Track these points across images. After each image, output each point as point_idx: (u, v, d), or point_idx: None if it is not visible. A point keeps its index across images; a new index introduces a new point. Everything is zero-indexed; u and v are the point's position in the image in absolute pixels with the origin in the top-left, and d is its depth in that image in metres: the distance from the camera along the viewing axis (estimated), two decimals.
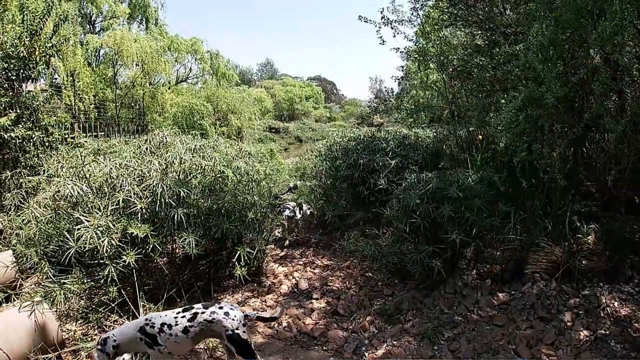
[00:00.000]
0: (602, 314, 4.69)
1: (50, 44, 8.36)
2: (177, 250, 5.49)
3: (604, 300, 4.84)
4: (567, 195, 5.88)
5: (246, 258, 5.20)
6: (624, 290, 5.02)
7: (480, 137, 6.87)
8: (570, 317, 4.69)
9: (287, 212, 7.91)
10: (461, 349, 4.48)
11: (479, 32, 7.54)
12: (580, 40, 5.28)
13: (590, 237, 5.70)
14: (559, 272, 5.19)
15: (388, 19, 7.39)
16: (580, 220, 5.78)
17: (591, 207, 6.10)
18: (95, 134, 18.49)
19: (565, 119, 5.83)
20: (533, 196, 5.88)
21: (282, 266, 6.99)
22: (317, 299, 5.80)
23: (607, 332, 4.44)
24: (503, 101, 6.73)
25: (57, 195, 4.77)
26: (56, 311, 4.57)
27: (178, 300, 5.15)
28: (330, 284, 6.15)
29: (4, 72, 7.70)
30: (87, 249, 4.34)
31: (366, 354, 4.58)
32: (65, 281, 4.55)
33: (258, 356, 3.83)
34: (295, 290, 6.11)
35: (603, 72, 5.17)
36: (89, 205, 4.62)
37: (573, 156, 6.04)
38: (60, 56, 16.56)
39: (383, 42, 7.57)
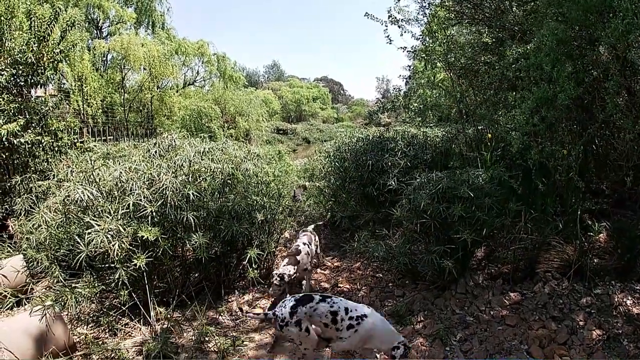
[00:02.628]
0: (614, 313, 4.65)
1: (57, 50, 8.40)
2: (187, 253, 5.50)
3: (616, 299, 4.79)
4: (578, 194, 5.83)
5: (256, 259, 5.19)
6: (637, 289, 4.97)
7: (489, 135, 6.82)
8: (582, 317, 4.65)
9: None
10: (473, 350, 4.45)
11: (486, 30, 7.50)
12: (590, 38, 5.23)
13: (601, 235, 5.66)
14: (570, 271, 5.14)
15: (395, 18, 7.36)
16: (592, 219, 5.74)
17: (602, 205, 6.05)
18: (104, 138, 18.62)
19: (576, 117, 5.78)
20: (544, 195, 5.83)
21: None
22: None
23: (620, 331, 4.39)
24: (511, 99, 6.69)
25: (67, 200, 4.79)
26: (67, 315, 4.59)
27: (189, 302, 5.16)
28: (341, 285, 6.13)
29: (12, 78, 7.74)
30: (97, 252, 4.36)
31: (378, 355, 4.55)
32: (76, 285, 4.56)
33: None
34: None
35: (613, 69, 5.12)
36: (99, 209, 4.63)
37: (583, 154, 5.99)
38: (68, 61, 16.70)
39: (390, 41, 7.54)
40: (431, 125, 9.51)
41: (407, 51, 7.72)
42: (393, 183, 6.59)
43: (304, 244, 5.97)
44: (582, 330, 4.45)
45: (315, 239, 6.43)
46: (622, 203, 6.11)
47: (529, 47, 5.60)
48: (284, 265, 5.46)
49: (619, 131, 5.83)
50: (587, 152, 6.09)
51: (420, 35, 7.83)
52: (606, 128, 5.90)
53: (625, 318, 4.55)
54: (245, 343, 4.78)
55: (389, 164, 7.11)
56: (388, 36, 7.48)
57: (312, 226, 6.83)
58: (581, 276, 5.15)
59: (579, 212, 5.44)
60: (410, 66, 9.32)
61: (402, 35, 7.54)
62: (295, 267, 5.50)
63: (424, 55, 7.74)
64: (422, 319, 5.05)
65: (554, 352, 4.20)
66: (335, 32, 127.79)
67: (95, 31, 23.69)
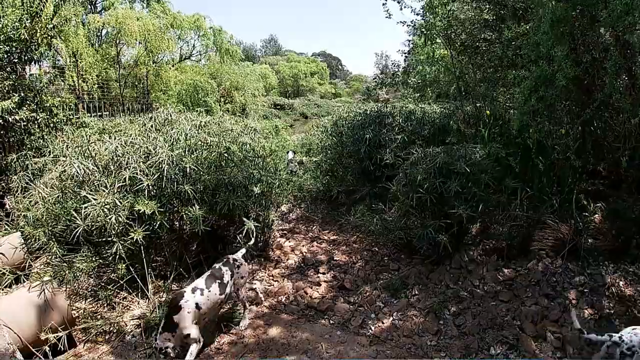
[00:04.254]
0: (607, 293, 4.69)
1: (51, 26, 8.29)
2: (184, 227, 5.52)
3: (609, 280, 4.83)
4: (575, 174, 5.84)
5: (253, 233, 5.22)
6: (629, 271, 4.99)
7: (487, 112, 6.81)
8: (575, 295, 4.70)
9: None
10: (467, 324, 4.51)
11: (487, 6, 7.41)
12: (591, 18, 5.17)
13: (596, 216, 5.68)
14: (564, 250, 5.17)
15: None
16: (587, 199, 5.76)
17: (598, 186, 6.07)
18: (100, 113, 18.48)
19: (575, 97, 5.75)
20: (541, 173, 5.84)
21: (289, 240, 7.03)
22: (323, 273, 5.85)
23: (612, 311, 4.45)
24: (511, 77, 6.66)
25: (64, 175, 4.78)
26: (66, 290, 4.63)
27: (186, 275, 5.19)
28: (337, 258, 6.18)
29: (6, 55, 7.67)
30: (94, 227, 4.37)
31: (372, 328, 4.63)
32: (74, 260, 4.59)
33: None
34: (302, 264, 6.15)
35: (614, 51, 5.08)
36: (96, 184, 4.63)
37: (581, 135, 5.98)
38: (62, 37, 16.45)
39: (389, 15, 7.49)
40: (429, 101, 9.48)
41: (407, 25, 7.67)
42: (390, 158, 6.60)
43: (199, 290, 4.14)
44: (575, 309, 4.51)
45: (239, 271, 4.65)
46: (618, 185, 6.13)
47: (528, 26, 5.55)
48: (160, 334, 3.88)
49: (617, 113, 5.81)
50: (586, 133, 6.08)
51: (421, 10, 7.77)
52: (605, 110, 5.88)
53: (617, 298, 4.60)
54: (242, 314, 4.84)
55: (387, 138, 7.10)
56: (387, 10, 7.42)
57: (242, 252, 4.98)
58: (575, 255, 5.18)
59: (575, 192, 5.46)
60: (409, 41, 9.25)
61: (402, 9, 7.49)
62: (174, 334, 3.87)
63: (423, 31, 7.68)
64: (416, 292, 5.11)
65: (546, 328, 4.26)
66: (335, 6, 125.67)
67: (89, 6, 23.26)
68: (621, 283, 4.80)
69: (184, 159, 4.83)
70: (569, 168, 5.76)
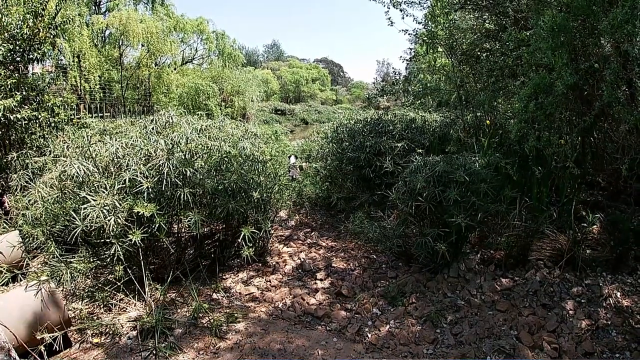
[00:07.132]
0: (604, 304, 4.69)
1: (54, 25, 8.32)
2: (183, 230, 5.52)
3: (606, 291, 4.83)
4: (574, 184, 5.85)
5: (251, 238, 5.22)
6: (627, 282, 5.00)
7: (488, 122, 6.83)
8: (572, 306, 4.69)
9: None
10: (463, 333, 4.50)
11: (489, 16, 7.45)
12: (591, 27, 5.21)
13: (595, 226, 5.69)
14: (562, 260, 5.18)
15: (397, 0, 7.32)
16: (586, 209, 5.77)
17: (597, 196, 6.08)
18: (101, 114, 18.56)
19: (574, 107, 5.78)
20: (540, 183, 5.85)
21: (287, 246, 7.02)
22: (321, 279, 5.84)
23: (609, 322, 4.44)
24: (512, 87, 6.68)
25: (63, 175, 4.78)
26: (62, 290, 4.62)
27: (184, 279, 5.19)
28: (335, 265, 6.18)
29: (9, 54, 7.68)
30: (93, 228, 4.37)
31: (369, 335, 4.62)
32: (72, 260, 4.58)
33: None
34: (300, 270, 6.15)
35: (614, 60, 5.10)
36: (95, 185, 4.63)
37: (581, 145, 6.00)
38: (66, 37, 16.54)
39: (392, 23, 7.53)
40: (430, 110, 9.51)
41: (409, 34, 7.71)
42: (390, 165, 6.62)
43: None
44: (572, 319, 4.50)
45: None
46: (617, 196, 6.14)
47: (529, 33, 5.58)
48: None
49: (617, 124, 5.83)
50: (585, 143, 6.10)
51: (423, 18, 7.81)
52: (605, 120, 5.90)
53: (614, 310, 4.60)
54: (238, 320, 4.83)
55: (387, 146, 7.12)
56: (389, 18, 7.46)
57: None
58: (573, 266, 5.18)
59: (573, 203, 5.47)
60: (411, 49, 9.29)
61: (403, 18, 7.53)
62: None
63: (425, 39, 7.72)
64: (414, 300, 5.10)
65: (543, 339, 4.25)
66: (337, 11, 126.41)
67: (93, 7, 23.36)
68: (618, 294, 4.80)
69: (183, 163, 4.84)
70: (567, 178, 5.77)
